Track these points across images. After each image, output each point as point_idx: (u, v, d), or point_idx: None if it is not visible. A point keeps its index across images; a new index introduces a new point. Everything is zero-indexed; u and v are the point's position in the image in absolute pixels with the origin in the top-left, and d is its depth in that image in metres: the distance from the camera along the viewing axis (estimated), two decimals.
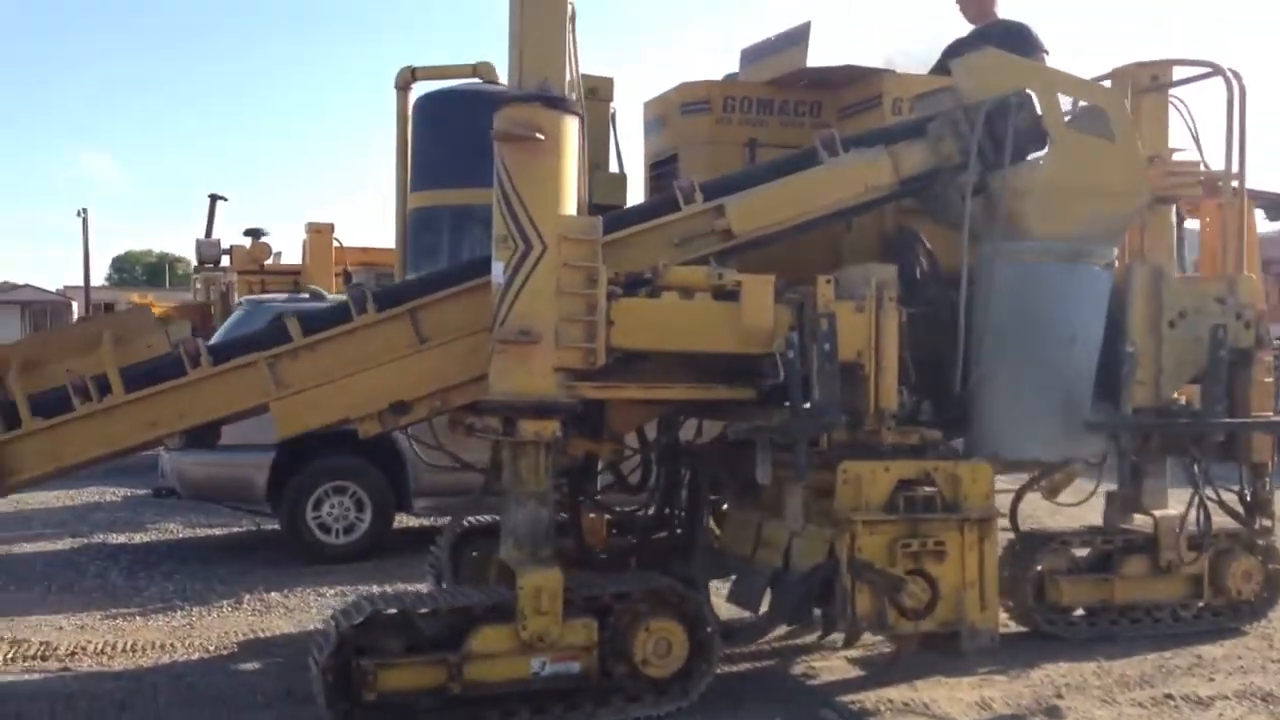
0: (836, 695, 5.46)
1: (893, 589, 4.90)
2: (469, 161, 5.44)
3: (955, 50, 6.27)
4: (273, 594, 7.53)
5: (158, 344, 5.16)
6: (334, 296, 9.78)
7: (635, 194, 6.44)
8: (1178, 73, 6.35)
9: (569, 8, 4.91)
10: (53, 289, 47.63)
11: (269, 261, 16.26)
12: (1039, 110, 5.35)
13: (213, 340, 6.48)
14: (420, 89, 6.23)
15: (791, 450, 4.89)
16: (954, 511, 5.02)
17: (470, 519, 6.36)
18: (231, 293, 15.54)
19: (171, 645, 6.32)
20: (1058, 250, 5.44)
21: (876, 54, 6.12)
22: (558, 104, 4.77)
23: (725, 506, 6.41)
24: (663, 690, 4.98)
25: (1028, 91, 5.36)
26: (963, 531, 5.01)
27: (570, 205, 4.84)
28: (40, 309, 44.43)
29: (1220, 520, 6.26)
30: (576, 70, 5.06)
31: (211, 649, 6.28)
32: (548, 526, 4.95)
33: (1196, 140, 6.24)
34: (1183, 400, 6.00)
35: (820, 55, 5.97)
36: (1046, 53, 6.39)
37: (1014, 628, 6.34)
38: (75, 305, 37.70)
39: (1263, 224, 9.11)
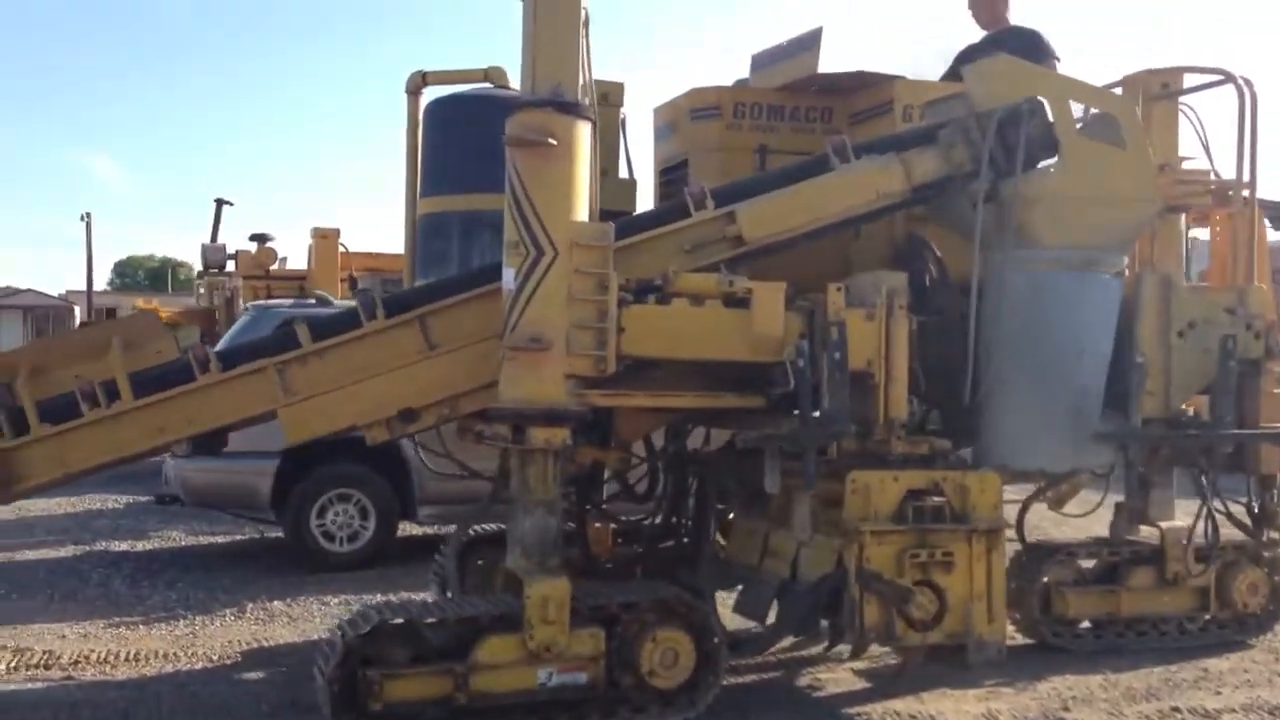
0: (842, 707, 5.44)
1: (901, 600, 4.86)
2: (479, 166, 5.43)
3: (967, 56, 6.28)
4: (276, 602, 7.50)
5: (167, 350, 5.13)
6: (341, 302, 9.76)
7: (645, 200, 6.46)
8: (1189, 80, 6.32)
9: (583, 12, 4.89)
10: (55, 294, 47.57)
11: (274, 266, 16.24)
12: (1051, 118, 5.34)
13: (218, 346, 6.45)
14: (431, 93, 6.22)
15: (800, 459, 4.86)
16: (962, 522, 4.98)
17: (476, 527, 6.33)
18: (236, 298, 15.53)
19: (175, 654, 6.29)
20: (1068, 259, 5.42)
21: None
22: (571, 109, 4.75)
23: (732, 516, 6.38)
24: (669, 701, 4.94)
25: (1040, 99, 5.34)
26: (971, 542, 4.97)
27: (582, 211, 4.81)
28: (42, 314, 44.33)
29: (1228, 532, 6.21)
30: (589, 75, 5.04)
31: (215, 658, 6.26)
32: (555, 535, 4.91)
33: (1206, 148, 6.23)
34: (1191, 411, 5.96)
35: (831, 61, 5.96)
36: (1058, 59, 6.39)
37: (1020, 640, 6.28)
38: (77, 310, 37.62)
39: (1272, 234, 9.11)
